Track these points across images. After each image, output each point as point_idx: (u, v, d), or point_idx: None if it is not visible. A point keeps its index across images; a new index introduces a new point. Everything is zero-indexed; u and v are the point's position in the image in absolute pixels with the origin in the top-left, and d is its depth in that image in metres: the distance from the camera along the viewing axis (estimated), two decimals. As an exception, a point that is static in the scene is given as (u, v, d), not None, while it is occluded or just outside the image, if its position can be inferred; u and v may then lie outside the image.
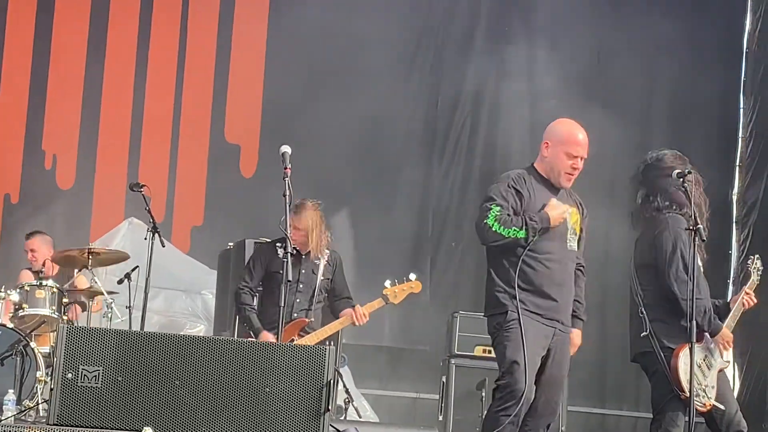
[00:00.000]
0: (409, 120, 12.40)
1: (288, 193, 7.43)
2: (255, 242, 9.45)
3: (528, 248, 6.64)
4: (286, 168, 7.45)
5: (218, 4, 12.36)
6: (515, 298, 6.63)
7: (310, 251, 8.81)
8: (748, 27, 12.65)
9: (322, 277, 8.82)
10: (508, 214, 6.65)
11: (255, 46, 12.29)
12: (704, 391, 7.15)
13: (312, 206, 8.79)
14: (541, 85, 12.40)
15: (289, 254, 7.41)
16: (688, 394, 6.93)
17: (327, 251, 8.92)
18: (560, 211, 6.72)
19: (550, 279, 6.70)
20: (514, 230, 6.62)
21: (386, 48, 12.23)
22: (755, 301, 7.59)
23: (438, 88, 12.52)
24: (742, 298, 7.54)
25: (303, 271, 8.72)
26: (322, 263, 8.84)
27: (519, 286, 6.65)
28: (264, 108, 12.20)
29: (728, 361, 7.50)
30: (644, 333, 7.12)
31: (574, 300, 6.92)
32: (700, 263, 7.16)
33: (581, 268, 7.03)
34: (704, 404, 7.13)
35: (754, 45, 12.54)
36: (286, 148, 7.53)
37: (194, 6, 12.29)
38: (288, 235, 7.51)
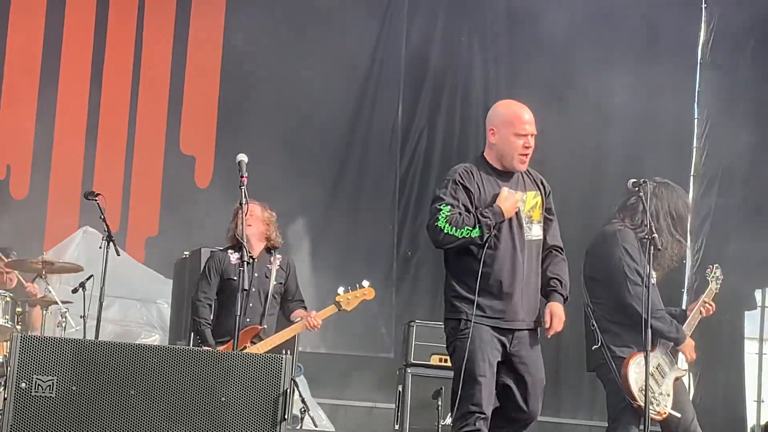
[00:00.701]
0: (367, 129, 12.39)
1: (244, 202, 7.43)
2: (211, 250, 9.42)
3: (485, 246, 6.32)
4: (242, 177, 7.44)
5: (173, 15, 12.31)
6: (470, 302, 6.32)
7: (261, 255, 8.78)
8: (702, 38, 12.73)
9: (275, 282, 8.80)
10: (460, 213, 6.33)
11: (210, 58, 12.28)
12: (657, 399, 7.20)
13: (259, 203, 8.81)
14: (496, 93, 12.45)
15: (245, 262, 7.41)
16: (640, 403, 7.00)
17: (279, 256, 8.91)
18: (512, 201, 6.38)
19: (507, 276, 6.36)
20: (467, 230, 6.30)
21: (343, 58, 12.23)
22: (714, 309, 7.64)
23: (397, 99, 12.51)
24: (700, 306, 7.58)
25: (256, 275, 8.69)
26: (275, 268, 8.82)
27: (473, 289, 6.32)
28: (219, 119, 12.17)
29: (685, 369, 7.57)
30: (596, 346, 7.18)
31: (552, 277, 6.55)
32: (654, 273, 7.23)
33: (557, 249, 6.64)
34: (658, 412, 7.17)
35: (707, 56, 12.61)
36: (243, 157, 7.52)
37: (149, 18, 12.25)
38: (244, 243, 7.51)
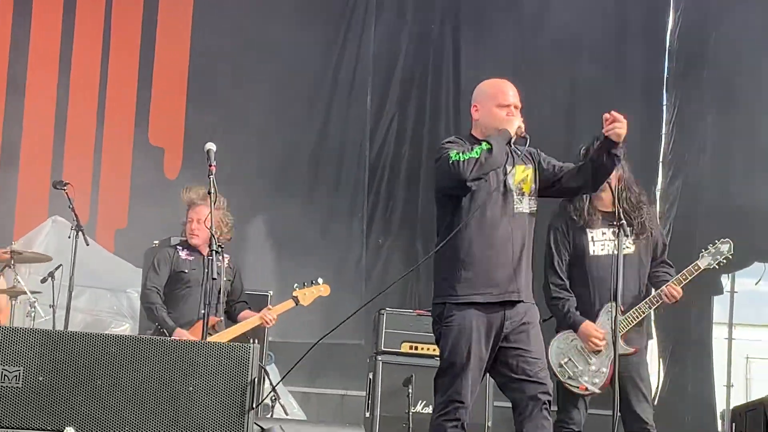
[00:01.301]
0: (337, 119, 12.38)
1: (213, 191, 7.42)
2: (161, 240, 9.46)
3: (472, 220, 6.17)
4: (210, 165, 7.44)
5: (141, 8, 12.26)
6: (455, 285, 6.23)
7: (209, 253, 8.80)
8: (670, 24, 12.75)
9: (225, 278, 8.84)
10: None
11: (179, 48, 12.23)
12: (583, 376, 7.42)
13: (199, 191, 8.82)
14: (467, 84, 12.46)
15: (214, 252, 7.41)
16: (559, 378, 7.39)
17: (227, 256, 8.95)
18: (515, 121, 6.29)
19: (496, 249, 6.22)
20: (477, 149, 6.11)
21: (313, 49, 12.21)
22: (678, 293, 7.64)
23: (365, 90, 12.50)
24: (661, 291, 7.60)
25: (206, 270, 8.72)
26: (224, 265, 8.86)
27: (460, 266, 6.22)
28: (188, 110, 12.13)
29: (633, 348, 7.58)
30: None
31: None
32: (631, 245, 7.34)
33: None
34: (578, 387, 7.42)
35: (675, 42, 12.64)
36: (211, 146, 7.52)
37: (117, 10, 12.19)
38: (213, 233, 7.50)
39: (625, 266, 7.22)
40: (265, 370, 8.83)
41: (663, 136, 12.58)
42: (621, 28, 12.65)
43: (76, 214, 8.78)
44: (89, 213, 11.47)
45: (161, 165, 12.02)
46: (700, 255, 7.81)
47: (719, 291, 11.99)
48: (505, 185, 6.29)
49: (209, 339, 8.43)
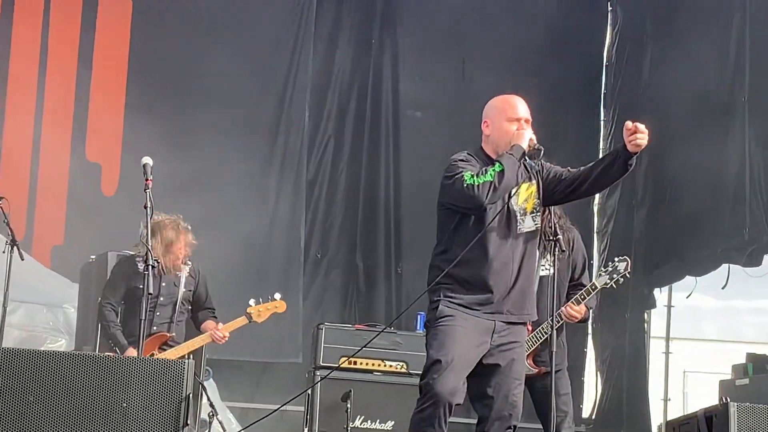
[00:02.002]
0: (275, 131, 12.36)
1: (149, 205, 7.40)
2: (118, 254, 9.36)
3: (479, 234, 6.12)
4: (147, 180, 7.42)
5: (79, 22, 12.17)
6: (450, 295, 6.18)
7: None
8: (607, 41, 12.87)
9: (184, 289, 8.79)
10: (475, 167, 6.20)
11: (117, 64, 12.16)
12: None
13: (169, 223, 8.78)
14: (405, 96, 12.51)
15: (150, 267, 7.38)
16: None
17: (189, 263, 8.89)
18: (526, 135, 6.24)
19: (494, 268, 6.18)
20: (491, 170, 6.08)
21: (248, 62, 12.20)
22: (578, 312, 7.66)
23: (304, 101, 12.50)
24: (560, 311, 7.59)
25: (164, 284, 8.69)
26: (184, 275, 8.82)
27: (457, 280, 6.19)
28: (125, 126, 12.06)
29: (537, 369, 7.67)
30: None
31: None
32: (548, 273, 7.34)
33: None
34: None
35: (612, 58, 12.74)
36: (148, 160, 7.51)
37: (54, 24, 12.09)
38: (149, 247, 7.47)
39: (542, 287, 7.30)
40: (203, 386, 8.78)
41: (601, 152, 12.68)
42: (558, 43, 12.74)
43: (11, 229, 8.69)
44: (25, 229, 11.38)
45: (98, 181, 11.94)
46: (599, 273, 7.90)
47: (651, 305, 12.07)
48: (508, 207, 6.27)
49: (161, 355, 8.40)
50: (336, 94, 12.65)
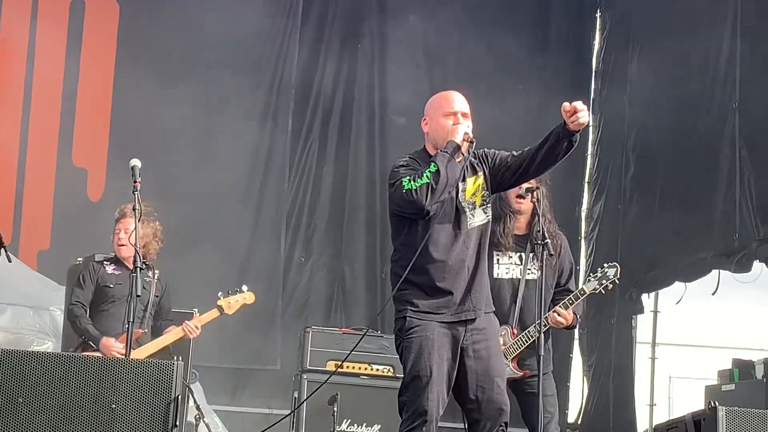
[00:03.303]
0: (258, 134, 12.35)
1: (138, 207, 7.40)
2: (105, 257, 9.36)
3: (425, 237, 6.09)
4: (135, 181, 7.43)
5: (66, 28, 12.15)
6: (413, 301, 6.16)
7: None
8: (596, 47, 12.88)
9: (153, 294, 8.81)
10: (414, 170, 6.18)
11: (103, 70, 12.14)
12: None
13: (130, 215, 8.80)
14: (392, 103, 12.53)
15: (138, 269, 7.40)
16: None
17: (157, 272, 8.91)
18: (459, 130, 6.22)
19: (450, 267, 6.18)
20: (427, 172, 6.07)
21: (234, 66, 12.20)
22: (565, 318, 7.67)
23: (287, 102, 12.50)
24: (547, 316, 7.58)
25: (132, 286, 8.68)
26: (154, 281, 8.83)
27: (414, 283, 6.16)
28: (111, 132, 12.04)
29: (522, 372, 7.69)
30: None
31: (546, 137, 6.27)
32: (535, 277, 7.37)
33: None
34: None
35: (600, 64, 12.76)
36: (136, 162, 7.52)
37: (41, 30, 12.06)
38: (137, 249, 7.48)
39: (528, 291, 7.53)
40: (190, 388, 8.79)
41: (588, 157, 12.70)
42: (546, 49, 12.76)
43: (-2, 232, 8.68)
44: (12, 234, 11.36)
45: (84, 186, 11.91)
46: (587, 279, 7.92)
47: (640, 311, 12.08)
48: (457, 206, 6.26)
49: (132, 352, 8.39)
50: (320, 98, 12.65)
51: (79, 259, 9.86)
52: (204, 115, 11.94)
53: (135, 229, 7.46)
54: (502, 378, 6.28)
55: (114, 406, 5.95)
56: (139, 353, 8.42)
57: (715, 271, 10.74)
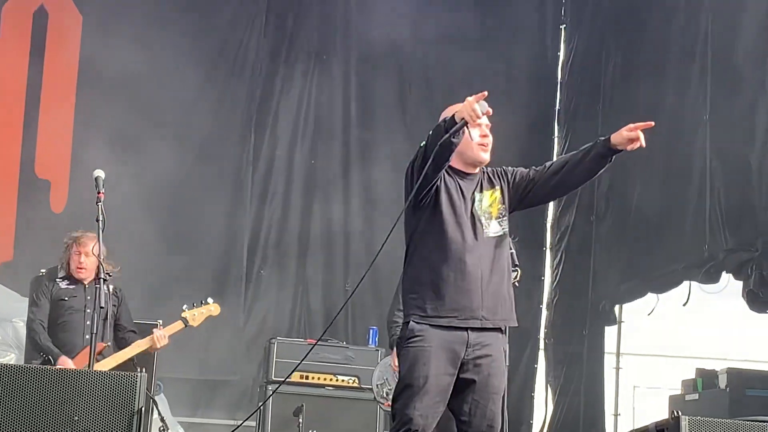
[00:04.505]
0: (220, 143, 12.34)
1: (101, 218, 7.40)
2: (40, 272, 9.34)
3: (440, 246, 6.00)
4: (99, 193, 7.43)
5: (29, 38, 12.10)
6: (422, 306, 6.00)
7: (90, 282, 8.78)
8: (561, 58, 12.93)
9: (110, 305, 8.77)
10: None
11: (66, 81, 12.09)
12: (388, 394, 7.99)
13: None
14: (355, 115, 12.55)
15: (102, 280, 7.40)
16: (377, 399, 8.16)
17: (112, 286, 8.87)
18: (467, 103, 5.89)
19: (462, 273, 6.02)
20: (436, 129, 5.87)
21: (198, 71, 12.19)
22: None
23: (249, 112, 12.49)
24: None
25: (89, 297, 8.67)
26: (110, 293, 8.79)
27: (424, 289, 6.02)
28: (74, 143, 11.99)
29: None
30: None
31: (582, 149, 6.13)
32: None
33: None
34: (384, 404, 8.15)
35: (566, 75, 12.81)
36: (100, 173, 7.53)
37: (3, 40, 12.00)
38: (101, 261, 7.48)
39: None
40: (154, 400, 8.75)
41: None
42: (510, 60, 12.79)
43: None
44: (-26, 246, 11.32)
45: (48, 198, 11.86)
46: None
47: (612, 322, 12.10)
48: (472, 213, 6.15)
49: (99, 364, 8.35)
50: (285, 111, 12.64)
51: (42, 270, 9.80)
52: (168, 126, 11.89)
53: (98, 239, 7.46)
54: (499, 396, 6.13)
55: (76, 418, 5.93)
56: (103, 365, 8.37)
57: (686, 282, 10.79)
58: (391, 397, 7.48)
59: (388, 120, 12.56)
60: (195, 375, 11.73)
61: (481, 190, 6.23)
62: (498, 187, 6.30)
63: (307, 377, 9.53)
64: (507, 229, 6.29)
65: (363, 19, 12.65)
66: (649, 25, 11.63)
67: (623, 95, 11.84)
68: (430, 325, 6.02)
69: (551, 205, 12.66)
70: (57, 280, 8.80)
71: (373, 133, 12.47)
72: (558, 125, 12.83)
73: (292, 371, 8.97)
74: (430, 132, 5.91)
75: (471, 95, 5.86)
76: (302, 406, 9.18)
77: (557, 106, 12.90)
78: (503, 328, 6.18)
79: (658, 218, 11.14)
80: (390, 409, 7.50)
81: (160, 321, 9.01)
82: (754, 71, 10.05)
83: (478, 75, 12.40)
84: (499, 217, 6.25)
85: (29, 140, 12.00)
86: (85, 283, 8.78)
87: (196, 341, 9.94)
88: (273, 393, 9.27)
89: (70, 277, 8.90)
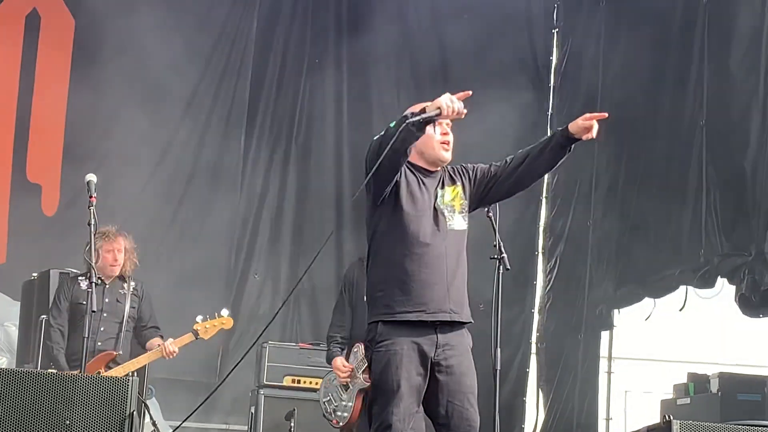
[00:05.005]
0: (210, 151, 12.33)
1: (93, 222, 7.42)
2: (60, 272, 9.32)
3: (403, 241, 5.99)
4: (91, 197, 7.45)
5: (21, 43, 12.08)
6: (389, 303, 5.99)
7: (114, 279, 8.76)
8: (554, 62, 12.92)
9: (129, 306, 8.75)
10: None
11: (57, 84, 12.07)
12: (338, 409, 8.14)
13: (125, 234, 8.82)
14: (349, 117, 12.55)
15: (93, 284, 7.40)
16: (323, 412, 8.24)
17: (133, 283, 8.86)
18: (443, 98, 5.93)
19: (430, 272, 6.02)
20: (391, 126, 5.85)
21: (192, 74, 12.18)
22: None
23: (243, 122, 12.49)
24: None
25: (107, 300, 8.66)
26: (128, 293, 8.78)
27: (389, 286, 6.01)
28: (66, 147, 11.98)
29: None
30: None
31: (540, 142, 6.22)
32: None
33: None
34: (332, 420, 8.19)
35: (559, 80, 12.80)
36: (92, 177, 7.56)
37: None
38: (93, 264, 7.49)
39: None
40: (146, 404, 8.74)
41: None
42: (506, 62, 12.78)
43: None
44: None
45: (39, 202, 11.84)
46: None
47: (609, 326, 12.07)
48: (435, 208, 6.17)
49: (108, 373, 8.35)
50: (276, 114, 12.65)
51: (34, 274, 9.82)
52: (159, 130, 11.89)
53: (91, 243, 7.48)
54: (474, 395, 6.14)
55: (68, 422, 5.92)
56: (114, 374, 8.35)
57: (682, 287, 10.80)
58: (338, 414, 8.09)
59: (381, 123, 12.53)
60: (187, 379, 11.71)
61: (443, 187, 6.24)
62: (459, 183, 6.32)
63: (298, 381, 9.53)
64: (467, 227, 6.28)
65: (355, 24, 12.68)
66: (645, 31, 11.63)
67: (619, 101, 11.82)
68: (398, 321, 6.00)
69: (543, 209, 12.66)
70: (79, 278, 8.75)
71: (366, 136, 12.46)
72: (551, 129, 12.80)
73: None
74: (391, 123, 5.89)
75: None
76: (294, 410, 9.18)
77: (550, 111, 12.89)
78: (466, 325, 6.19)
79: (655, 223, 11.14)
80: (338, 427, 7.83)
81: (162, 336, 9.00)
82: (748, 77, 10.07)
83: (474, 74, 12.40)
84: (462, 212, 6.26)
85: (21, 144, 11.98)
86: (107, 282, 8.74)
87: (188, 345, 9.88)
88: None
89: (91, 277, 8.85)
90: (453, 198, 6.27)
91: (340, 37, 12.85)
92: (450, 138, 6.25)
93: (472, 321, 6.21)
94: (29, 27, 12.13)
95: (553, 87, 12.94)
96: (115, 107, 11.75)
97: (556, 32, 13.01)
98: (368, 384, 7.87)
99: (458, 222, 6.23)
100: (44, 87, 12.08)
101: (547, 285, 12.56)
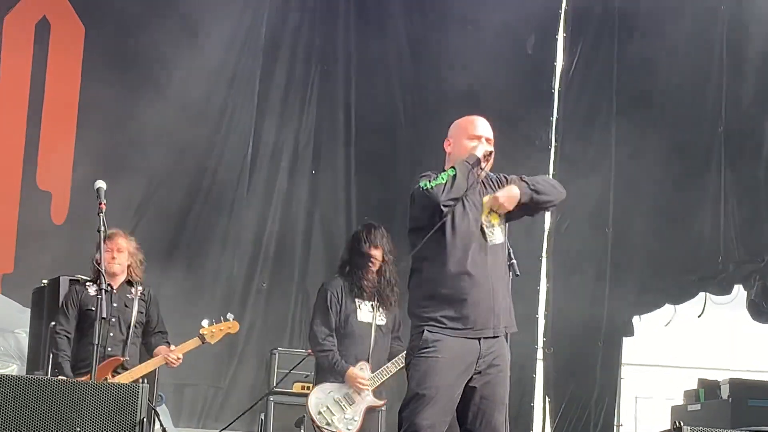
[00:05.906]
0: (219, 157, 12.32)
1: (102, 229, 7.42)
2: (70, 279, 9.30)
3: (449, 260, 6.15)
4: (101, 203, 7.45)
5: (31, 50, 12.08)
6: (435, 317, 6.10)
7: (121, 285, 8.76)
8: (559, 68, 12.87)
9: (136, 312, 8.74)
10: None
11: (68, 92, 12.06)
12: (339, 423, 8.22)
13: (125, 235, 8.79)
14: (358, 123, 12.54)
15: (103, 290, 7.40)
16: (317, 424, 8.24)
17: (140, 287, 8.86)
18: (483, 147, 6.31)
19: (472, 283, 6.12)
20: (444, 174, 6.17)
21: (200, 83, 12.18)
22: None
23: (254, 131, 12.48)
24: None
25: (115, 305, 8.64)
26: (136, 298, 8.77)
27: (435, 300, 6.13)
28: (76, 155, 11.98)
29: (382, 402, 8.47)
30: None
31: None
32: None
33: None
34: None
35: (564, 85, 12.75)
36: (101, 184, 7.57)
37: (6, 52, 11.99)
38: (102, 271, 7.49)
39: (383, 333, 8.51)
40: (156, 411, 8.73)
41: (551, 177, 12.68)
42: (508, 69, 12.74)
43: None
44: (-26, 257, 11.31)
45: (48, 209, 11.84)
46: None
47: (629, 333, 12.02)
48: (481, 225, 6.27)
49: (115, 379, 8.35)
50: (283, 121, 12.63)
51: (44, 281, 9.81)
52: (169, 138, 11.88)
53: (100, 250, 7.48)
54: (504, 405, 6.23)
55: (78, 429, 5.94)
56: (122, 380, 8.35)
57: (701, 294, 10.78)
58: (338, 426, 8.14)
59: (389, 131, 12.54)
60: (197, 385, 11.72)
61: (470, 186, 6.27)
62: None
63: (308, 388, 9.51)
64: (506, 237, 6.40)
65: (362, 30, 12.69)
66: (660, 37, 11.59)
67: (635, 106, 11.79)
68: (446, 334, 6.09)
69: (548, 216, 12.62)
70: (87, 284, 8.74)
71: (374, 143, 12.45)
72: (556, 134, 12.76)
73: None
74: (440, 176, 6.17)
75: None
76: (304, 417, 9.14)
77: (555, 115, 12.84)
78: (507, 334, 6.28)
79: (674, 229, 11.11)
80: None
81: (169, 342, 8.99)
82: (765, 82, 10.07)
83: (481, 84, 12.38)
84: (501, 225, 6.37)
85: (31, 151, 11.99)
86: (115, 287, 8.73)
87: (197, 351, 9.89)
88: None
89: (99, 281, 8.85)
90: (490, 211, 6.36)
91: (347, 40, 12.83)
92: (491, 150, 6.42)
93: (516, 330, 6.34)
94: (39, 35, 12.13)
95: (559, 92, 12.88)
96: (125, 115, 11.75)
97: (564, 37, 12.94)
98: (380, 402, 8.33)
99: (498, 235, 6.35)
100: (54, 94, 12.09)
101: (557, 290, 12.49)
